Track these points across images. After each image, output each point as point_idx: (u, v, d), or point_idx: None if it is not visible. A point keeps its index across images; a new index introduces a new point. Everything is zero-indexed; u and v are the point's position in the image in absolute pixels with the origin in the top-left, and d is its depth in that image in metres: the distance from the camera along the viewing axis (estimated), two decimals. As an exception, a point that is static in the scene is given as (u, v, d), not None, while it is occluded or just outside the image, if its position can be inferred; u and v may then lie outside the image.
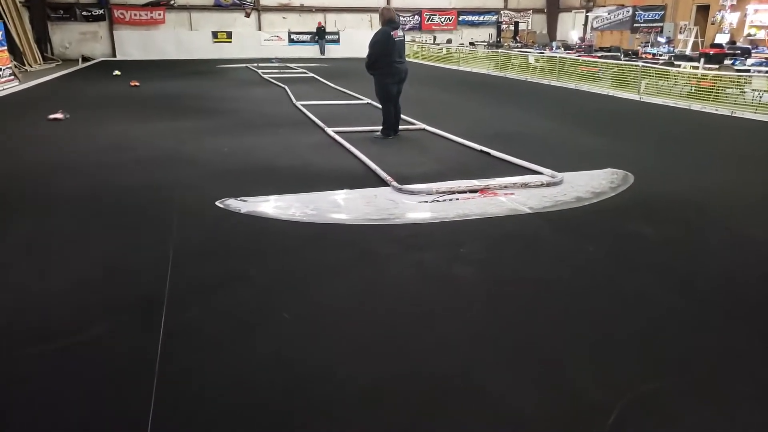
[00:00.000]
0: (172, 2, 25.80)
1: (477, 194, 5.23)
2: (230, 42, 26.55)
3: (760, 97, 10.12)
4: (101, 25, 25.30)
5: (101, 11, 25.06)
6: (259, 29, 27.28)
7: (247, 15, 26.80)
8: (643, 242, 4.22)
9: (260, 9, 27.05)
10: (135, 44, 25.53)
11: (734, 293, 3.40)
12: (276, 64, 21.64)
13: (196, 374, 2.59)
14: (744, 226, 4.52)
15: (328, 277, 3.59)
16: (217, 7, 26.45)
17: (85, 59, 23.10)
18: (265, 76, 16.83)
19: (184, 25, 26.48)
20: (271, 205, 4.98)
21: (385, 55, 7.46)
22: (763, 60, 12.59)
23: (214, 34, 26.48)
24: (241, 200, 4.99)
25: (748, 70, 11.37)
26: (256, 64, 21.25)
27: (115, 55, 25.22)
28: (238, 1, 26.54)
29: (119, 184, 5.61)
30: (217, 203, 4.91)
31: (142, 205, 4.99)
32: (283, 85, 14.18)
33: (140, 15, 25.67)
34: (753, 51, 14.22)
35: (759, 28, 16.59)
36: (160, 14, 25.82)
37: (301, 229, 4.44)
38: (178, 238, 4.17)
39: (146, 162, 6.53)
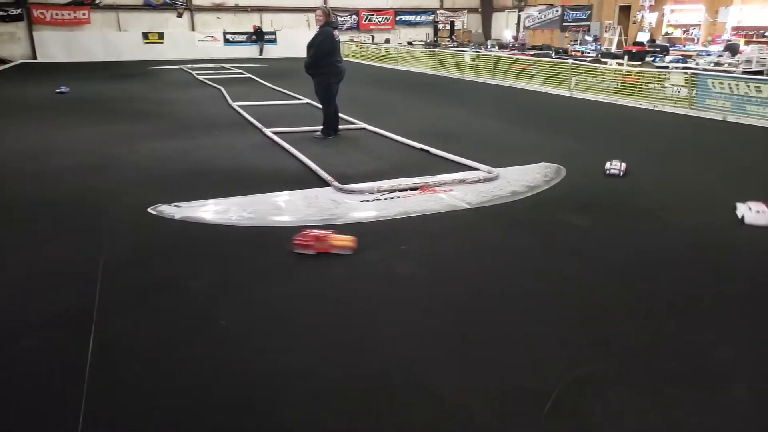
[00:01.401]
0: (97, 1, 24.72)
1: (417, 192, 5.29)
2: (162, 43, 25.71)
3: (678, 92, 10.70)
4: (19, 25, 23.93)
5: (19, 10, 23.70)
6: (193, 29, 26.57)
7: (179, 15, 26.03)
8: (576, 232, 4.38)
9: (193, 9, 26.35)
10: (58, 45, 24.29)
11: (663, 278, 3.58)
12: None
13: (129, 388, 2.50)
14: (671, 213, 4.76)
15: (268, 281, 3.54)
16: (147, 7, 25.57)
17: (2, 61, 21.84)
18: (200, 78, 16.42)
19: (111, 26, 25.44)
20: (207, 210, 4.86)
21: (328, 54, 7.45)
22: (680, 57, 13.31)
23: (145, 35, 25.58)
24: (174, 206, 4.85)
25: (667, 67, 12.00)
26: (190, 65, 20.69)
27: (35, 57, 23.95)
28: (169, 1, 25.74)
29: (43, 193, 5.35)
30: (149, 210, 4.75)
31: (69, 215, 4.78)
32: (218, 87, 13.88)
33: (62, 15, 24.44)
34: (671, 49, 15.01)
35: (675, 27, 17.55)
36: (84, 14, 24.68)
37: (240, 233, 4.37)
38: (107, 248, 4.01)
39: (73, 169, 6.24)
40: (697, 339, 2.87)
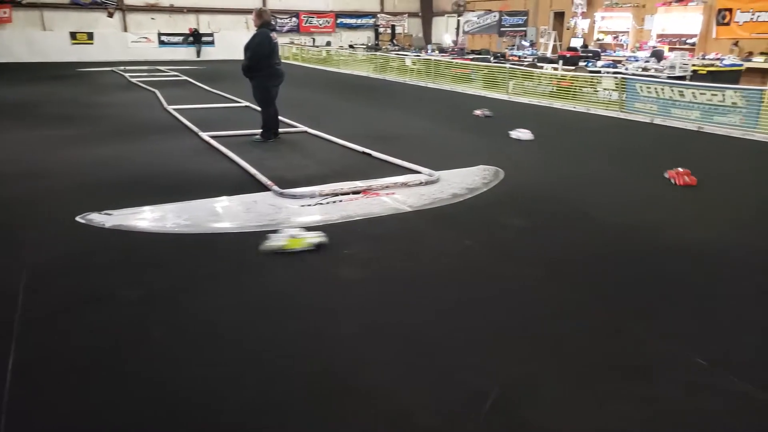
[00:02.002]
0: (19, -1, 23.47)
1: (360, 195, 5.26)
2: (92, 44, 24.58)
3: (610, 95, 11.15)
4: (-68, 24, 22.44)
5: (-67, 8, 22.23)
6: (125, 30, 25.59)
7: (110, 15, 25.00)
8: (514, 232, 4.47)
9: (125, 9, 25.39)
10: (-25, 45, 22.88)
11: (598, 274, 3.70)
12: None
13: (54, 408, 2.35)
14: (603, 213, 4.93)
15: (204, 290, 3.42)
16: (75, 5, 24.41)
17: None
18: (133, 80, 15.84)
19: (35, 25, 24.14)
20: (140, 218, 4.67)
21: (266, 57, 7.31)
22: (611, 62, 13.88)
23: (73, 35, 24.39)
24: (105, 214, 4.63)
25: (599, 72, 12.48)
26: (123, 68, 19.93)
27: (-49, 57, 22.46)
28: (98, 0, 24.67)
29: (-39, 202, 5.01)
30: (77, 219, 4.52)
31: (-10, 224, 4.48)
32: (153, 90, 13.42)
33: (-19, 13, 23.06)
34: (602, 54, 15.64)
35: (606, 33, 18.30)
36: (5, 12, 23.30)
37: (175, 240, 4.21)
38: (31, 260, 3.79)
39: (-6, 176, 5.88)
40: (635, 335, 2.96)
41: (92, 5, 24.61)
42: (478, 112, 8.83)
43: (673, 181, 5.82)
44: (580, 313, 3.20)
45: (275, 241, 3.95)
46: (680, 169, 5.90)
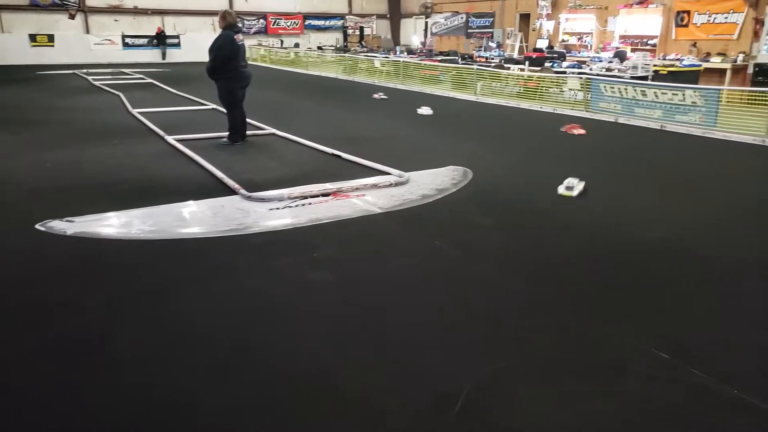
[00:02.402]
0: (-25, 1, 22.72)
1: (330, 197, 5.23)
2: (53, 46, 23.95)
3: (575, 95, 11.33)
4: None
5: None
6: (88, 32, 25.00)
7: (71, 17, 24.36)
8: (483, 232, 4.50)
9: (87, 10, 24.80)
10: (-71, 48, 22.09)
11: (565, 272, 3.75)
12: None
13: (18, 417, 2.27)
14: (569, 212, 5.00)
15: (174, 296, 3.36)
16: (34, 7, 23.74)
17: None
18: (97, 83, 15.49)
19: (-7, 27, 23.44)
20: (104, 224, 4.56)
21: (230, 59, 7.21)
22: (576, 63, 14.10)
23: (32, 37, 23.71)
24: (67, 221, 4.51)
25: (565, 72, 12.68)
26: (86, 70, 19.48)
27: None
28: (59, 2, 24.04)
29: None
30: (37, 226, 4.39)
31: (-55, 234, 4.33)
32: (117, 93, 13.15)
33: (-66, 14, 22.26)
34: (567, 55, 15.89)
35: (571, 34, 18.60)
36: (-39, 14, 22.60)
37: (140, 247, 4.13)
38: (-9, 268, 3.67)
39: (-51, 183, 5.68)
40: (600, 332, 3.01)
41: (52, 6, 23.96)
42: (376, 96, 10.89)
43: (569, 132, 7.28)
44: (551, 312, 3.23)
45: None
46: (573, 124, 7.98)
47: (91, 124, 9.27)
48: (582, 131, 8.61)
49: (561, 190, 5.42)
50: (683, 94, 9.22)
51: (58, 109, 10.93)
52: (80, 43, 24.57)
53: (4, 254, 3.97)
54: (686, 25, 14.91)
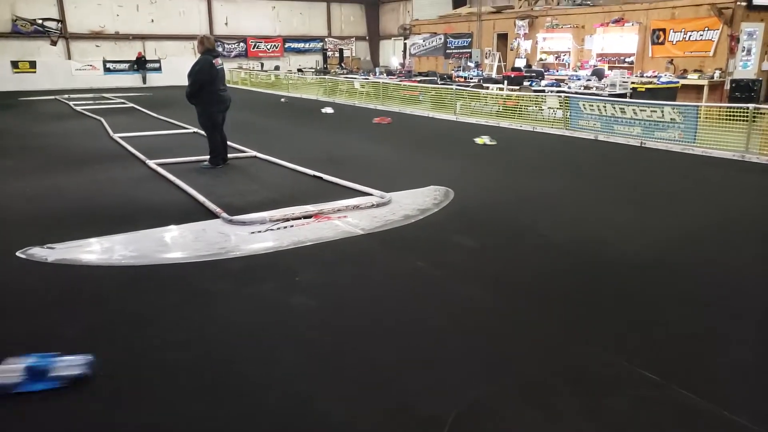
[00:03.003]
0: (-45, 28, 22.60)
1: (312, 219, 5.25)
2: (35, 72, 23.87)
3: (554, 114, 11.52)
4: None
5: None
6: (69, 58, 24.94)
7: (53, 43, 24.31)
8: (466, 252, 4.54)
9: (68, 37, 24.77)
10: None
11: (547, 291, 3.79)
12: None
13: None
14: (550, 230, 5.06)
15: (155, 324, 3.34)
16: (16, 34, 23.66)
17: None
18: (78, 109, 15.42)
19: (-27, 54, 23.29)
20: (85, 251, 4.52)
21: (208, 83, 7.26)
22: (554, 81, 14.36)
23: (14, 64, 23.61)
24: (48, 248, 4.47)
25: (543, 91, 12.90)
26: (67, 96, 19.38)
27: None
28: (41, 29, 23.99)
29: None
30: (18, 254, 4.35)
31: None
32: (98, 118, 13.10)
33: None
34: (545, 73, 16.17)
35: (548, 53, 18.95)
36: (-59, 42, 22.45)
37: (122, 273, 4.10)
38: (-32, 299, 3.62)
39: (-74, 213, 5.60)
40: (584, 351, 3.03)
41: (34, 33, 23.89)
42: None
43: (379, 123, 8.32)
44: (535, 332, 3.25)
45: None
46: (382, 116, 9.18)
47: (72, 150, 9.22)
48: (388, 120, 11.40)
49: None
50: (662, 111, 9.38)
51: (40, 136, 10.86)
52: (62, 69, 24.50)
53: (-19, 284, 3.91)
54: (662, 43, 15.25)
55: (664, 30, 15.22)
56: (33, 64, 23.94)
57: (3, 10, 23.31)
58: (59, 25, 24.26)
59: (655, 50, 15.48)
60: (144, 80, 25.77)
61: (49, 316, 3.42)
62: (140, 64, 25.75)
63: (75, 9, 24.59)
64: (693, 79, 13.78)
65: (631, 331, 3.24)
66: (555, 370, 2.83)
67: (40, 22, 23.83)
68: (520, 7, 20.64)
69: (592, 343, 3.08)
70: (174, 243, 4.80)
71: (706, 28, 14.13)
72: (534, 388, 2.69)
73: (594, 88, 12.47)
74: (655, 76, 13.99)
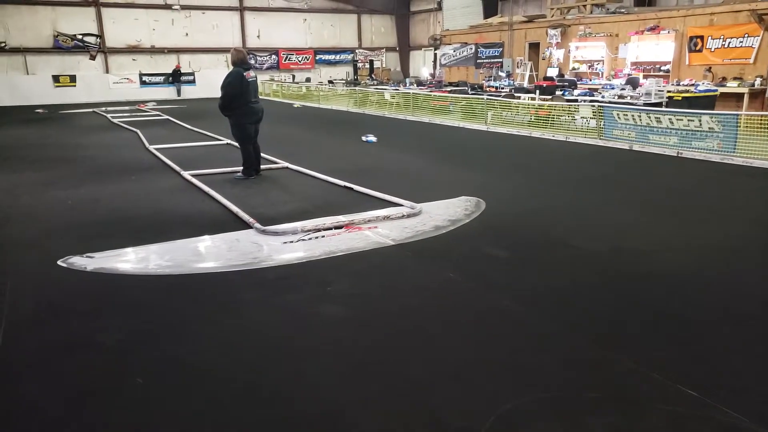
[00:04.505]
0: (2, 44, 23.53)
1: (342, 230, 5.27)
2: (75, 86, 24.65)
3: (588, 123, 11.36)
4: None
5: None
6: (107, 72, 25.71)
7: (92, 57, 25.11)
8: (497, 264, 4.49)
9: (107, 51, 25.57)
10: (-42, 91, 22.83)
11: (580, 303, 3.71)
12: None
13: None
14: (584, 241, 4.97)
15: (188, 333, 3.38)
16: (58, 49, 24.54)
17: None
18: (115, 121, 15.86)
19: (18, 69, 24.19)
20: (122, 260, 4.62)
21: (239, 95, 7.37)
22: (587, 90, 14.19)
23: (56, 78, 24.43)
24: (87, 257, 4.58)
25: (576, 100, 12.74)
26: (105, 108, 19.96)
27: (-66, 103, 22.35)
28: (81, 44, 24.83)
29: (-63, 250, 4.93)
30: (59, 263, 4.47)
31: (-33, 272, 4.42)
32: (134, 129, 13.44)
33: (-37, 58, 23.07)
34: (578, 83, 15.99)
35: (581, 62, 18.75)
36: (-12, 58, 23.41)
37: (157, 282, 4.17)
38: (11, 306, 3.73)
39: (-28, 222, 5.81)
40: (618, 365, 2.96)
41: (75, 48, 24.75)
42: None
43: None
44: (569, 345, 3.19)
45: None
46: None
47: (110, 161, 9.47)
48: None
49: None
50: (699, 120, 9.13)
51: (79, 147, 11.18)
52: (100, 83, 25.24)
53: (27, 291, 4.02)
54: (700, 51, 14.93)
55: (701, 37, 14.92)
56: (73, 78, 24.74)
57: (45, 26, 24.23)
58: (98, 40, 25.08)
59: (693, 58, 15.17)
60: (178, 93, 26.38)
61: (88, 324, 3.50)
62: (175, 77, 26.37)
63: (113, 24, 25.38)
64: (732, 87, 13.44)
65: (668, 345, 3.15)
66: (587, 384, 2.77)
67: (80, 37, 24.69)
68: (552, 16, 20.50)
69: (626, 358, 3.00)
70: (208, 253, 4.87)
71: (746, 35, 13.79)
72: (565, 402, 2.63)
73: (628, 97, 12.26)
74: (693, 85, 13.68)
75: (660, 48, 16.08)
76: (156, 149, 10.23)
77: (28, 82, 23.98)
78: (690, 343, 3.18)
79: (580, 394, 2.69)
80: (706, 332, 3.30)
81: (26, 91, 23.53)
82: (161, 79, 26.39)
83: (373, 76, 27.21)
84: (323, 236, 5.11)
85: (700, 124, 9.12)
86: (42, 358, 3.11)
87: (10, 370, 2.95)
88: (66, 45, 24.56)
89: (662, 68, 16.00)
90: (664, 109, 10.54)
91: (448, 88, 18.13)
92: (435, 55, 26.73)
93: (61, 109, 20.38)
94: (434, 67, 26.54)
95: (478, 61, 22.72)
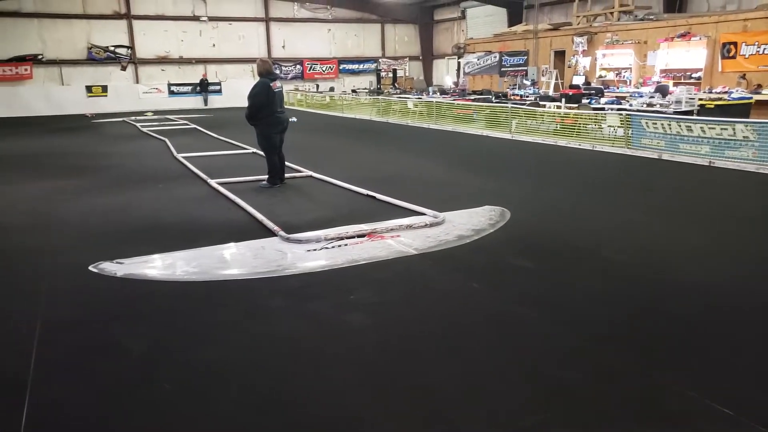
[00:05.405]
0: (39, 57, 24.28)
1: (365, 239, 5.28)
2: (106, 96, 25.32)
3: (615, 132, 11.21)
4: (-40, 83, 23.18)
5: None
6: (137, 82, 26.32)
7: (123, 68, 25.78)
8: (522, 275, 4.44)
9: (137, 62, 26.18)
10: (-2, 101, 23.62)
11: (609, 317, 3.65)
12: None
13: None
14: (613, 253, 4.88)
15: (214, 338, 3.43)
16: (91, 61, 25.23)
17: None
18: (144, 129, 16.19)
19: (54, 80, 24.94)
20: (150, 266, 4.71)
21: (265, 105, 7.48)
22: (614, 98, 14.01)
23: (89, 89, 25.16)
24: (117, 263, 4.68)
25: (603, 108, 12.59)
26: (134, 118, 20.40)
27: (-25, 113, 23.10)
28: (113, 55, 25.51)
29: (-26, 256, 5.09)
30: (90, 268, 4.57)
31: (5, 276, 4.57)
32: (163, 138, 13.69)
33: (4, 71, 23.82)
34: (605, 91, 15.80)
35: (608, 70, 18.55)
36: (26, 69, 24.13)
37: (184, 288, 4.23)
38: (45, 310, 3.82)
39: (9, 227, 6.00)
40: (650, 382, 2.89)
41: (107, 60, 25.42)
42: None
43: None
44: (594, 359, 3.14)
45: None
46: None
47: (139, 169, 9.67)
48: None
49: None
50: (733, 129, 8.89)
51: (110, 156, 11.44)
52: (130, 92, 25.88)
53: (60, 295, 4.12)
54: (733, 57, 14.62)
55: (735, 43, 14.61)
56: (105, 89, 25.43)
57: (80, 38, 24.98)
58: (129, 51, 25.72)
59: (726, 65, 14.86)
60: (205, 102, 26.84)
61: (115, 329, 3.56)
62: (202, 86, 26.85)
63: (144, 36, 26.01)
64: (768, 94, 13.10)
65: (703, 362, 3.06)
66: (616, 401, 2.71)
67: (112, 48, 25.39)
68: (579, 23, 20.35)
69: (659, 374, 2.93)
70: (234, 260, 4.93)
71: (783, 41, 13.43)
72: (594, 418, 2.58)
73: (658, 106, 12.06)
74: (726, 92, 13.38)
75: (691, 55, 15.80)
76: (183, 158, 10.40)
77: (62, 93, 24.75)
78: (728, 360, 3.09)
79: (606, 408, 2.65)
80: (745, 350, 3.20)
81: (60, 101, 24.26)
82: (189, 88, 26.90)
83: (396, 84, 27.30)
84: (346, 245, 5.13)
85: (734, 133, 8.88)
86: (74, 361, 3.17)
87: (44, 373, 3.02)
88: (99, 56, 25.25)
89: (693, 75, 15.72)
90: (695, 117, 10.33)
91: (472, 97, 18.09)
92: (458, 63, 26.72)
93: (93, 119, 20.89)
94: (458, 76, 26.52)
95: (502, 69, 22.66)
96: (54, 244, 5.36)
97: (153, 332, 3.53)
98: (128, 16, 25.60)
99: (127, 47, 25.72)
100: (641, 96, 13.89)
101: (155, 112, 22.95)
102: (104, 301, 4.01)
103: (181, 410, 2.70)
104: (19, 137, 14.95)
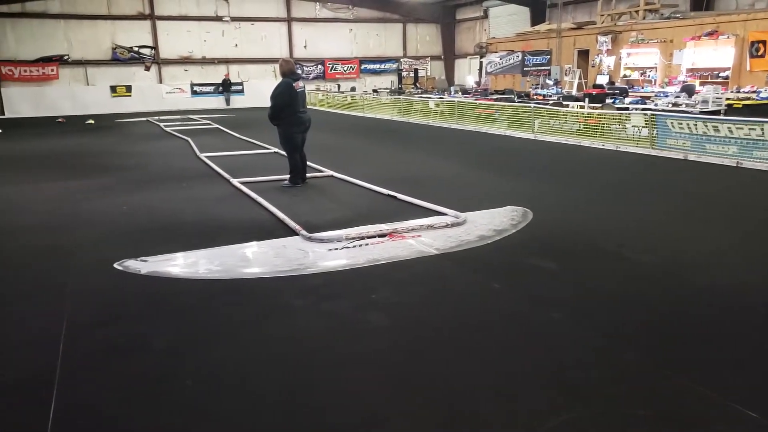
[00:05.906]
0: (66, 57, 24.77)
1: (386, 238, 5.28)
2: (130, 96, 25.75)
3: (640, 132, 11.04)
4: (-14, 83, 23.77)
5: (-14, 69, 23.59)
6: (160, 82, 26.69)
7: (147, 68, 26.17)
8: (544, 276, 4.40)
9: (160, 62, 26.54)
10: (25, 101, 24.13)
11: (632, 317, 3.60)
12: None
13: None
14: (636, 254, 4.82)
15: (236, 336, 3.45)
16: (115, 61, 25.66)
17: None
18: (168, 129, 16.40)
19: (79, 80, 25.43)
20: (174, 264, 4.76)
21: (288, 105, 7.52)
22: (639, 98, 13.80)
23: (113, 89, 25.61)
24: (141, 260, 4.74)
25: (627, 108, 12.41)
26: (158, 117, 20.69)
27: (3, 113, 23.65)
28: (136, 55, 25.91)
29: (5, 252, 5.20)
30: (115, 266, 4.64)
31: (33, 274, 4.64)
32: (186, 138, 13.85)
33: (31, 71, 24.37)
34: (630, 90, 15.58)
35: (633, 69, 18.28)
36: (53, 70, 24.66)
37: (207, 286, 4.27)
38: (71, 307, 3.89)
39: (35, 226, 6.10)
40: (672, 384, 2.85)
41: (131, 60, 25.83)
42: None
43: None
44: (616, 360, 3.10)
45: None
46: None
47: (162, 168, 9.80)
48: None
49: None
50: (762, 129, 8.68)
51: (135, 155, 11.61)
52: (154, 92, 26.27)
53: (86, 292, 4.19)
54: (762, 56, 14.31)
55: (764, 42, 14.30)
56: (129, 89, 25.85)
57: (105, 39, 25.42)
58: (153, 51, 26.09)
59: (754, 64, 14.55)
60: (228, 102, 27.11)
61: (141, 326, 3.61)
62: (225, 86, 27.12)
63: (167, 36, 26.37)
64: (799, 93, 12.79)
65: (726, 364, 3.01)
66: (637, 403, 2.67)
67: (136, 49, 25.79)
68: (603, 22, 20.10)
69: (681, 376, 2.88)
70: (256, 258, 4.96)
71: (815, 39, 13.11)
72: (615, 420, 2.54)
73: (683, 105, 11.85)
74: (754, 92, 13.09)
75: (718, 54, 15.51)
76: (206, 157, 10.51)
77: (87, 93, 25.24)
78: (751, 362, 3.03)
79: (631, 412, 2.61)
80: (766, 349, 3.15)
81: (85, 101, 24.75)
82: (211, 89, 27.20)
83: (417, 84, 27.25)
84: (367, 244, 5.13)
85: (763, 133, 8.67)
86: (99, 358, 3.22)
87: (70, 369, 3.07)
88: (123, 57, 25.66)
89: (720, 75, 15.42)
90: (722, 117, 10.12)
91: (494, 97, 17.98)
92: (480, 63, 26.58)
93: (117, 118, 21.22)
94: (479, 75, 26.38)
95: (524, 68, 22.48)
96: (81, 242, 5.45)
97: (176, 329, 3.56)
98: (152, 17, 25.96)
99: (151, 48, 26.10)
100: (666, 96, 13.67)
101: (178, 112, 23.23)
102: (129, 299, 4.07)
103: (206, 407, 2.72)
104: (46, 137, 15.24)
